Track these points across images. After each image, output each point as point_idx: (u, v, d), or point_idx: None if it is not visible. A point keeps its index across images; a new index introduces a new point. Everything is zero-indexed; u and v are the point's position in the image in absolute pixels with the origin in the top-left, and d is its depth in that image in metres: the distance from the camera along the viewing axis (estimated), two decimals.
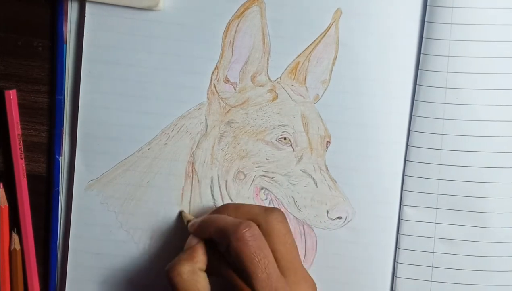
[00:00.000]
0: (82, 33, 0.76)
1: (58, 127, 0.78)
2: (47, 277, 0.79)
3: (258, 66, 0.76)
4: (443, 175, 0.75)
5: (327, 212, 0.76)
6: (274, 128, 0.76)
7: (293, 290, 0.70)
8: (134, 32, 0.75)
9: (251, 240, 0.68)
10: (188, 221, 0.75)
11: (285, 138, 0.76)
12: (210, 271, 0.71)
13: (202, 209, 0.77)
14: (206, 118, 0.76)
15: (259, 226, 0.70)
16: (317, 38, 0.75)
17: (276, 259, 0.69)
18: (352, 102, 0.75)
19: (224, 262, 0.70)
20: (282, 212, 0.72)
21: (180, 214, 0.77)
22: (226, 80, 0.76)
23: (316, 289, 0.73)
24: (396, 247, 0.76)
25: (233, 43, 0.75)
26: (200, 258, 0.71)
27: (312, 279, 0.73)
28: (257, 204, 0.76)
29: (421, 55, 0.74)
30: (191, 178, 0.77)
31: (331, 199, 0.76)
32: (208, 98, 0.76)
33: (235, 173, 0.76)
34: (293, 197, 0.76)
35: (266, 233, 0.70)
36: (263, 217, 0.71)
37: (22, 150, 0.78)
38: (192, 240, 0.72)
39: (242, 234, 0.68)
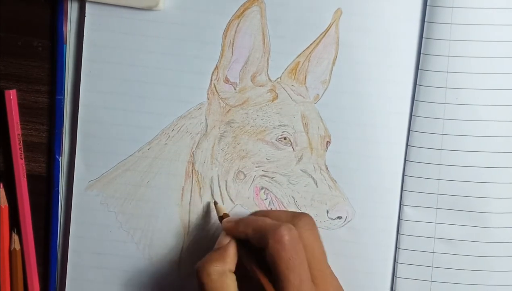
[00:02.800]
0: (82, 33, 0.76)
1: (58, 127, 0.78)
2: (47, 277, 0.79)
3: (258, 66, 0.76)
4: (443, 175, 0.75)
5: (327, 211, 0.76)
6: (274, 128, 0.76)
7: None
8: (134, 32, 0.75)
9: (290, 244, 0.67)
10: (221, 216, 0.74)
11: (285, 138, 0.76)
12: (239, 272, 0.70)
13: (202, 209, 0.77)
14: (206, 118, 0.76)
15: None
16: (317, 38, 0.75)
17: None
18: (352, 102, 0.75)
19: (254, 264, 0.69)
20: (311, 218, 0.71)
21: (215, 204, 0.76)
22: (226, 80, 0.76)
23: None
24: (396, 247, 0.76)
25: (233, 43, 0.75)
26: (230, 258, 0.70)
27: (340, 285, 0.72)
28: (257, 204, 0.76)
29: (421, 55, 0.74)
30: (191, 178, 0.77)
31: (331, 198, 0.76)
32: (208, 98, 0.76)
33: (235, 172, 0.76)
34: (293, 197, 0.76)
35: None
36: (293, 224, 0.70)
37: (22, 150, 0.78)
38: (224, 239, 0.71)
39: (282, 236, 0.67)
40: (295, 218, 0.71)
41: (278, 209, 0.76)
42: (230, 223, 0.72)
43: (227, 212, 0.75)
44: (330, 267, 0.71)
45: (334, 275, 0.71)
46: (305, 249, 0.69)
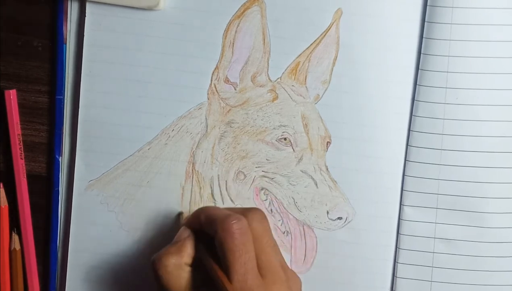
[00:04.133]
0: (82, 33, 0.76)
1: (58, 127, 0.78)
2: (47, 277, 0.79)
3: (259, 66, 0.76)
4: (443, 175, 0.75)
5: (328, 212, 0.76)
6: (274, 128, 0.76)
7: (268, 290, 0.69)
8: (134, 32, 0.75)
9: (237, 233, 0.68)
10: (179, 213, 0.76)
11: (285, 139, 0.76)
12: (196, 264, 0.71)
13: None
14: (206, 118, 0.76)
15: None
16: (318, 38, 0.75)
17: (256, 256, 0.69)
18: (353, 102, 0.75)
19: (209, 256, 0.69)
20: (262, 212, 0.72)
21: (179, 215, 0.77)
22: (227, 80, 0.76)
23: (299, 287, 0.72)
24: (396, 247, 0.76)
25: (233, 43, 0.75)
26: (187, 252, 0.70)
27: (294, 278, 0.72)
28: (257, 205, 0.76)
29: (421, 55, 0.74)
30: (191, 178, 0.77)
31: (332, 199, 0.76)
32: (208, 98, 0.76)
33: (235, 173, 0.76)
34: (293, 198, 0.76)
35: None
36: (219, 219, 0.70)
37: (22, 150, 0.78)
38: (183, 233, 0.72)
39: (230, 225, 0.68)
40: (246, 210, 0.71)
41: (278, 210, 0.77)
42: (187, 217, 0.73)
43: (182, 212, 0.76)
44: (282, 260, 0.72)
45: (287, 269, 0.71)
46: (254, 241, 0.69)
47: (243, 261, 0.67)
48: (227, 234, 0.68)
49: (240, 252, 0.67)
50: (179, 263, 0.70)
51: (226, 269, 0.68)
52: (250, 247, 0.68)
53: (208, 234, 0.70)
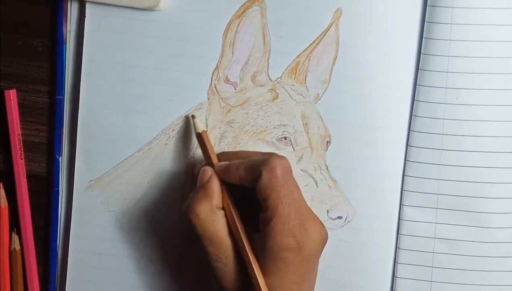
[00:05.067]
0: (82, 33, 0.76)
1: (58, 127, 0.78)
2: (47, 277, 0.79)
3: (259, 66, 0.76)
4: (443, 175, 0.75)
5: (327, 211, 0.76)
6: (274, 128, 0.76)
7: (305, 227, 0.69)
8: (134, 32, 0.75)
9: (281, 173, 0.68)
10: (199, 133, 0.74)
11: (285, 138, 0.76)
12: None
13: None
14: (206, 118, 0.76)
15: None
16: (317, 38, 0.75)
17: None
18: (352, 102, 0.75)
19: (230, 200, 0.70)
20: (281, 156, 0.70)
21: (193, 118, 0.75)
22: (227, 80, 0.76)
23: (325, 230, 0.72)
24: (396, 247, 0.76)
25: (233, 43, 0.75)
26: (216, 195, 0.70)
27: (324, 230, 0.71)
28: None
29: (421, 55, 0.74)
30: (191, 178, 0.77)
31: (332, 198, 0.76)
32: (208, 98, 0.76)
33: None
34: None
35: None
36: (262, 162, 0.69)
37: (22, 150, 0.78)
38: (205, 173, 0.71)
39: (274, 165, 0.68)
40: (265, 154, 0.71)
41: None
42: (221, 167, 0.71)
43: (205, 129, 0.75)
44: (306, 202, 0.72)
45: (317, 218, 0.71)
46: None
47: (286, 202, 0.67)
48: (272, 174, 0.67)
49: (284, 192, 0.68)
50: (210, 208, 0.69)
51: (267, 210, 0.67)
52: (294, 187, 0.69)
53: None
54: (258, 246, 0.69)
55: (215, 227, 0.69)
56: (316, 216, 0.71)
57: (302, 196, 0.70)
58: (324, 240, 0.70)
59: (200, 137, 0.74)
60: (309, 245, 0.69)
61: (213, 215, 0.69)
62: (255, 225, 0.70)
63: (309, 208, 0.71)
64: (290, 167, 0.69)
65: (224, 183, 0.71)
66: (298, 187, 0.70)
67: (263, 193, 0.68)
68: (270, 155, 0.69)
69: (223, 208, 0.71)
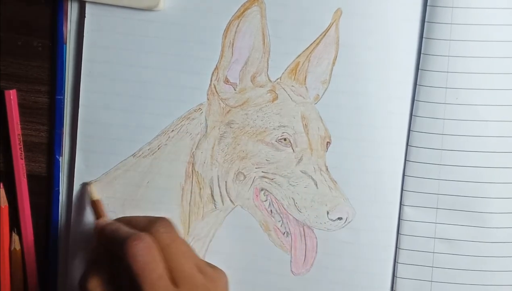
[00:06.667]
0: (82, 33, 0.76)
1: (58, 127, 0.78)
2: (47, 277, 0.79)
3: (258, 67, 0.75)
4: (443, 175, 0.75)
5: (328, 213, 0.76)
6: (274, 129, 0.76)
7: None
8: (134, 32, 0.75)
9: (140, 255, 0.67)
10: (94, 201, 0.75)
11: (285, 139, 0.76)
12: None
13: (202, 210, 0.77)
14: (206, 119, 0.76)
15: None
16: (317, 38, 0.75)
17: (168, 269, 0.68)
18: (352, 102, 0.75)
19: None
20: (167, 220, 0.71)
21: (86, 186, 0.76)
22: (226, 81, 0.76)
23: (224, 284, 0.72)
24: (396, 247, 0.76)
25: (233, 44, 0.75)
26: (108, 269, 0.70)
27: (216, 277, 0.71)
28: (257, 205, 0.76)
29: (421, 55, 0.74)
30: (191, 178, 0.77)
31: (332, 199, 0.76)
32: (208, 99, 0.76)
33: (235, 173, 0.76)
34: (293, 198, 0.76)
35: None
36: (149, 229, 0.69)
37: (22, 150, 0.78)
38: (96, 248, 0.72)
39: (132, 247, 0.67)
40: (151, 221, 0.70)
41: (278, 210, 0.76)
42: (97, 228, 0.73)
43: (99, 199, 0.75)
44: (199, 262, 0.71)
45: (206, 270, 0.71)
46: (163, 251, 0.68)
47: (152, 268, 0.67)
48: (131, 257, 0.67)
49: (149, 264, 0.67)
50: (103, 282, 0.69)
51: (136, 281, 0.66)
52: (157, 263, 0.67)
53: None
54: None
55: None
56: (203, 279, 0.70)
57: (182, 262, 0.69)
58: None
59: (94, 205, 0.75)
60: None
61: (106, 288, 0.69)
62: None
63: (192, 273, 0.69)
64: (149, 241, 0.68)
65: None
66: (174, 253, 0.69)
67: (129, 270, 0.67)
68: (130, 236, 0.68)
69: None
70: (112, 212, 0.77)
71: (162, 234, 0.69)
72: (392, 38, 0.75)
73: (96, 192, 0.76)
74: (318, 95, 0.76)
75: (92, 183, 0.77)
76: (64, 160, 0.78)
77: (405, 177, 0.76)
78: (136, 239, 0.67)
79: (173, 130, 0.76)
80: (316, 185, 0.76)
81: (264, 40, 0.75)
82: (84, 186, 0.77)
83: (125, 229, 0.70)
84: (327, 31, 0.75)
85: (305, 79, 0.76)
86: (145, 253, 0.67)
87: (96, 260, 0.72)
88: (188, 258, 0.70)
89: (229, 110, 0.76)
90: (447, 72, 0.74)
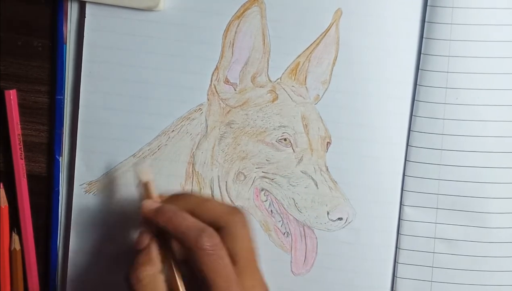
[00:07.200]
0: (82, 34, 0.76)
1: (58, 127, 0.78)
2: (47, 277, 0.79)
3: (258, 67, 0.75)
4: (443, 175, 0.75)
5: (328, 213, 0.76)
6: (274, 129, 0.76)
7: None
8: (134, 32, 0.75)
9: (213, 251, 0.66)
10: (144, 183, 0.72)
11: (285, 139, 0.76)
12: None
13: None
14: (206, 119, 0.76)
15: (221, 227, 0.68)
16: (317, 38, 0.75)
17: (234, 260, 0.68)
18: (353, 102, 0.75)
19: (171, 260, 0.69)
20: (245, 215, 0.70)
21: (136, 168, 0.75)
22: (226, 81, 0.76)
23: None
24: (396, 247, 0.76)
25: (233, 44, 0.75)
26: (157, 258, 0.69)
27: (266, 285, 0.71)
28: (257, 206, 0.76)
29: (421, 55, 0.74)
30: (191, 178, 0.77)
31: (332, 200, 0.76)
32: (208, 99, 0.76)
33: (235, 174, 0.76)
34: (293, 199, 0.76)
35: (228, 235, 0.68)
36: (226, 220, 0.69)
37: (22, 150, 0.78)
38: (143, 237, 0.69)
39: (203, 243, 0.66)
40: (230, 213, 0.70)
41: (278, 211, 0.77)
42: (150, 210, 0.70)
43: (148, 181, 0.72)
44: (258, 263, 0.71)
45: (260, 272, 0.71)
46: (238, 244, 0.68)
47: (224, 275, 0.67)
48: (203, 252, 0.66)
49: (219, 267, 0.67)
50: (153, 272, 0.68)
51: (206, 285, 0.66)
52: (227, 259, 0.67)
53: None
54: None
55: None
56: (263, 279, 0.70)
57: (250, 257, 0.69)
58: None
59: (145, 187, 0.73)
60: None
61: (155, 278, 0.68)
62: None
63: (256, 269, 0.70)
64: (219, 241, 0.67)
65: (166, 245, 0.69)
66: (244, 249, 0.69)
67: (198, 269, 0.67)
68: (200, 234, 0.67)
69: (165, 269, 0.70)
70: (112, 212, 0.77)
71: (242, 229, 0.69)
72: (392, 38, 0.75)
73: (146, 173, 0.73)
74: (318, 95, 0.76)
75: (142, 164, 0.76)
76: (64, 160, 0.78)
77: (405, 177, 0.76)
78: (207, 236, 0.67)
79: (173, 130, 0.76)
80: (317, 185, 0.76)
81: (264, 40, 0.75)
82: (134, 168, 0.76)
83: (192, 221, 0.69)
84: (327, 31, 0.75)
85: (305, 80, 0.76)
86: (218, 248, 0.67)
87: (143, 253, 0.69)
88: (255, 255, 0.70)
89: (229, 110, 0.76)
90: (447, 72, 0.74)
